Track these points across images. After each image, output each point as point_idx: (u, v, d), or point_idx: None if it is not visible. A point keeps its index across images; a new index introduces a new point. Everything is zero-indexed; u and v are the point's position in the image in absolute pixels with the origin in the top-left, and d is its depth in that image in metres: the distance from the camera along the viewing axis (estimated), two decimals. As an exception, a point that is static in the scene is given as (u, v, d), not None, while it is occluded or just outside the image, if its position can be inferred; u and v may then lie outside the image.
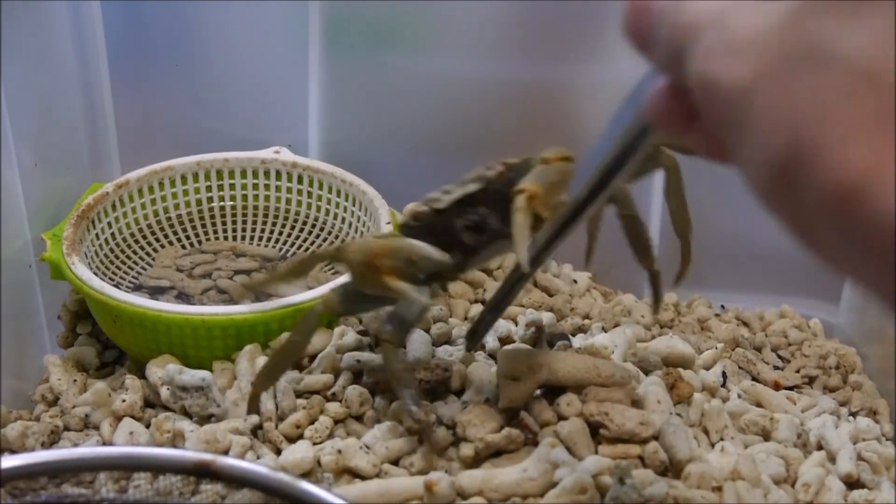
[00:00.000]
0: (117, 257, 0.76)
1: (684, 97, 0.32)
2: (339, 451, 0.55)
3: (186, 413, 0.60)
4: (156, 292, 0.74)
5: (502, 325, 0.68)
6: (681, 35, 0.30)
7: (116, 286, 0.67)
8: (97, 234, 0.74)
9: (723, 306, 0.81)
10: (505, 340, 0.67)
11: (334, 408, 0.60)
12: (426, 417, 0.55)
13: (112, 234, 0.76)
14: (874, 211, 0.25)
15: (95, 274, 0.67)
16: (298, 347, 0.59)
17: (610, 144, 0.43)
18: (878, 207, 0.25)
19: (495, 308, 0.61)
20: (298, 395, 0.61)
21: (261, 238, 0.81)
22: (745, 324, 0.79)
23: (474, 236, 0.55)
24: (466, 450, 0.55)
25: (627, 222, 0.59)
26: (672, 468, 0.56)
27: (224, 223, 0.81)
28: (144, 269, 0.76)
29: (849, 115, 0.25)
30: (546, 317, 0.69)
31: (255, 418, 0.59)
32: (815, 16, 0.27)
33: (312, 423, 0.59)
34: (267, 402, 0.60)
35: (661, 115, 0.34)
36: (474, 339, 0.62)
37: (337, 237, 0.79)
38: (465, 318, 0.71)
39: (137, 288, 0.74)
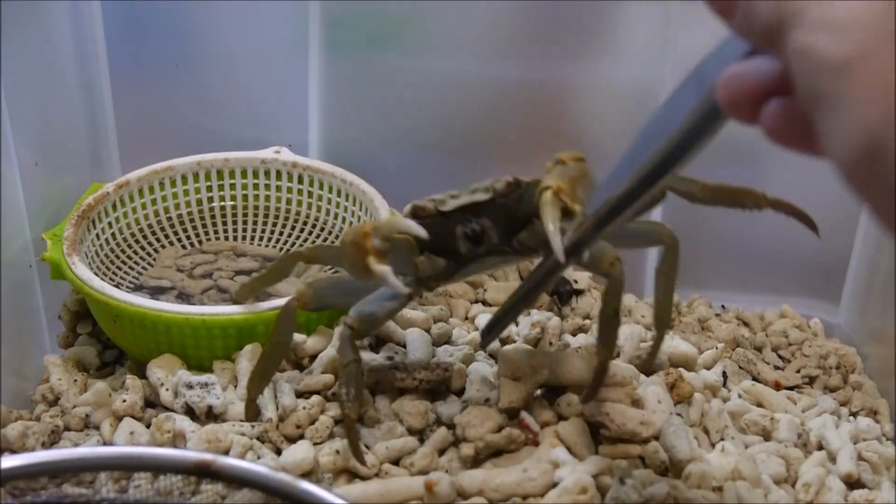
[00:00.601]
0: (118, 257, 0.76)
1: (760, 80, 0.32)
2: (338, 452, 0.55)
3: (188, 409, 0.60)
4: (156, 292, 0.74)
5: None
6: (783, 8, 0.31)
7: (117, 286, 0.67)
8: (98, 234, 0.74)
9: (723, 306, 0.81)
10: (505, 340, 0.67)
11: (335, 408, 0.60)
12: (352, 415, 0.54)
13: (113, 234, 0.76)
14: None
15: (96, 274, 0.67)
16: (282, 348, 0.58)
17: (669, 129, 0.39)
18: None
19: (521, 302, 0.58)
20: (299, 395, 0.61)
21: (261, 238, 0.81)
22: (746, 324, 0.79)
23: (470, 246, 0.55)
24: (467, 449, 0.55)
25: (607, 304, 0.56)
26: (672, 468, 0.56)
27: (224, 223, 0.81)
28: (145, 269, 0.76)
29: None
30: (546, 316, 0.69)
31: (260, 424, 0.59)
32: None
33: (313, 423, 0.59)
34: (267, 403, 0.60)
35: (734, 97, 0.34)
36: (491, 335, 0.61)
37: (337, 237, 0.79)
38: (466, 318, 0.71)
39: (138, 288, 0.74)
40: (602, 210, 0.44)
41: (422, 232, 0.51)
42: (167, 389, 0.61)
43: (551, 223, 0.48)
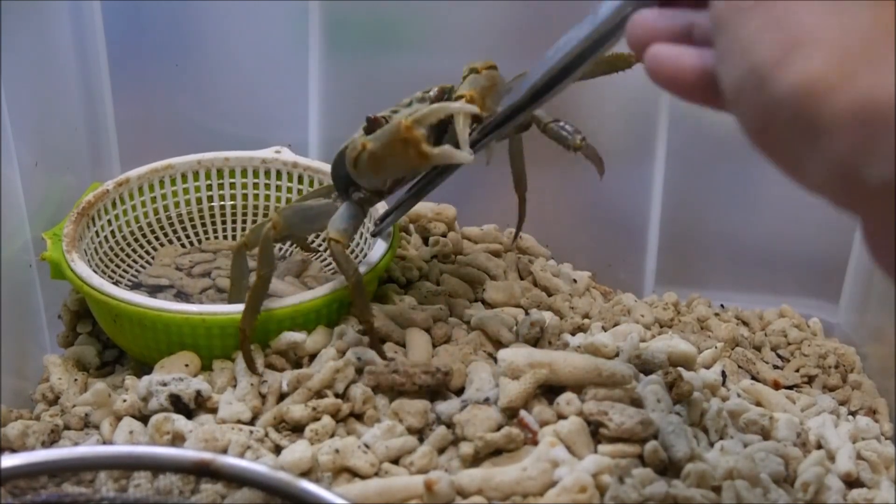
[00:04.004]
0: (117, 255, 0.76)
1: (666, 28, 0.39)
2: (337, 451, 0.55)
3: (176, 404, 0.59)
4: (155, 291, 0.74)
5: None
6: None
7: (116, 284, 0.67)
8: (97, 232, 0.74)
9: (722, 305, 0.81)
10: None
11: (334, 407, 0.60)
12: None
13: (112, 231, 0.76)
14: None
15: (95, 271, 0.67)
16: (268, 279, 0.62)
17: (560, 54, 0.49)
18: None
19: (422, 192, 0.64)
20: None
21: (261, 238, 0.80)
22: (745, 323, 0.79)
23: None
24: (466, 449, 0.55)
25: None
26: (671, 467, 0.56)
27: (224, 222, 0.81)
28: (144, 267, 0.77)
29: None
30: (547, 316, 0.69)
31: (257, 422, 0.59)
32: None
33: (312, 422, 0.59)
34: (267, 401, 0.60)
35: (638, 37, 0.40)
36: (384, 224, 0.69)
37: (337, 237, 0.79)
38: (466, 321, 0.71)
39: (136, 286, 0.74)
40: (499, 115, 0.57)
41: (461, 108, 0.56)
42: (142, 398, 0.60)
43: (460, 125, 0.56)
